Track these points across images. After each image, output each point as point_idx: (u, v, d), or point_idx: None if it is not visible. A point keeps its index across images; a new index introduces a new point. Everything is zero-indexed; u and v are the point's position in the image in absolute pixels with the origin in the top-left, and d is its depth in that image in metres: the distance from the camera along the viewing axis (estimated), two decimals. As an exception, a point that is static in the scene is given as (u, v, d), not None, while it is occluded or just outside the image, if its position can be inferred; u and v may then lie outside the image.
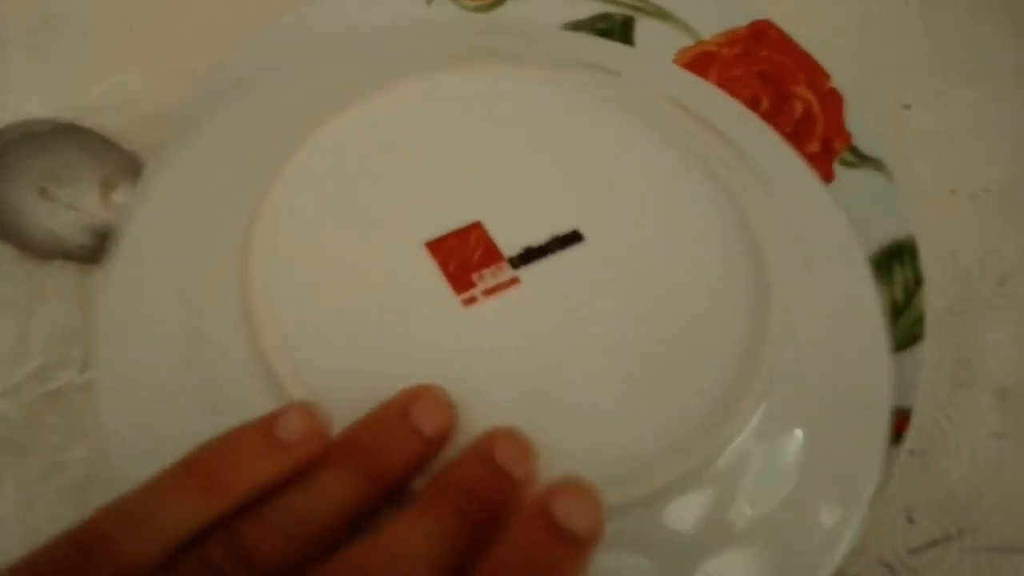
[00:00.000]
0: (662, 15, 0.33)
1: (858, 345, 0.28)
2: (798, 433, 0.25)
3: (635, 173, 0.27)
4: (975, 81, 0.38)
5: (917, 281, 0.31)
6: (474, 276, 0.25)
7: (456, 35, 0.31)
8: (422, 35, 0.30)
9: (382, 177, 0.26)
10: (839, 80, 0.33)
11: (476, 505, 0.20)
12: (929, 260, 0.32)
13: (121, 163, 0.32)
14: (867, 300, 0.28)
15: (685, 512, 0.23)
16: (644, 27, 0.32)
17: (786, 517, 0.24)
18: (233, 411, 0.22)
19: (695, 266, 0.26)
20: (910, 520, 0.31)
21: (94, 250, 0.32)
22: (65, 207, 0.32)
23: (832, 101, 0.33)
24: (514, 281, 0.25)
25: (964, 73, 0.38)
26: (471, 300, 0.25)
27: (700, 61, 0.33)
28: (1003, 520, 0.31)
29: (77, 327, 0.32)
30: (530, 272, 0.25)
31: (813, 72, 0.33)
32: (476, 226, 0.26)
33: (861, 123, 0.33)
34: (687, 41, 0.33)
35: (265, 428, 0.21)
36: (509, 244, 0.26)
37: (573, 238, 0.26)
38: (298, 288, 0.25)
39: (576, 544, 0.19)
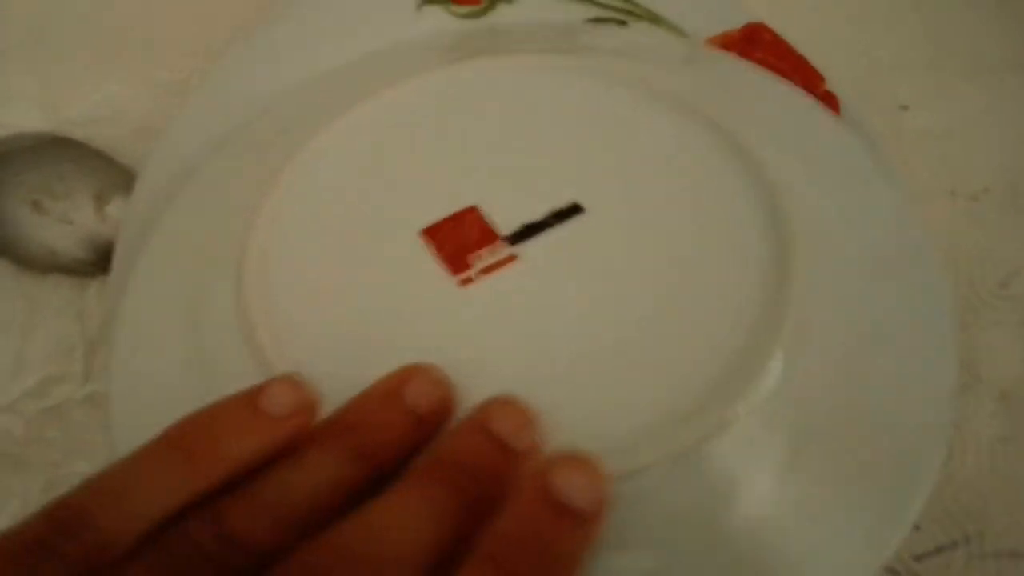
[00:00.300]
0: (653, 18, 0.32)
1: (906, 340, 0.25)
2: (812, 418, 0.23)
3: (634, 141, 0.27)
4: (974, 80, 0.38)
5: (918, 285, 0.30)
6: (470, 257, 0.25)
7: (444, 37, 0.31)
8: (412, 42, 0.30)
9: (379, 174, 0.26)
10: (834, 82, 0.33)
11: (472, 480, 0.19)
12: (930, 262, 0.31)
13: (114, 175, 0.33)
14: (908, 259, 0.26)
15: (694, 484, 0.22)
16: (636, 31, 0.32)
17: (799, 515, 0.23)
18: (224, 390, 0.21)
19: (701, 235, 0.25)
20: (915, 526, 0.30)
21: (89, 263, 0.32)
22: (59, 220, 0.32)
23: (828, 104, 0.32)
24: (511, 258, 0.25)
25: (962, 73, 0.38)
26: (467, 280, 0.24)
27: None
28: (1009, 525, 0.30)
29: (75, 341, 0.32)
30: (529, 248, 0.25)
31: (808, 75, 0.33)
32: (471, 210, 0.25)
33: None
34: (680, 45, 0.32)
35: (250, 401, 0.20)
36: (508, 223, 0.25)
37: (572, 211, 0.25)
38: (295, 280, 0.24)
39: (579, 520, 0.18)
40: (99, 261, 0.32)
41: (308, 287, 0.24)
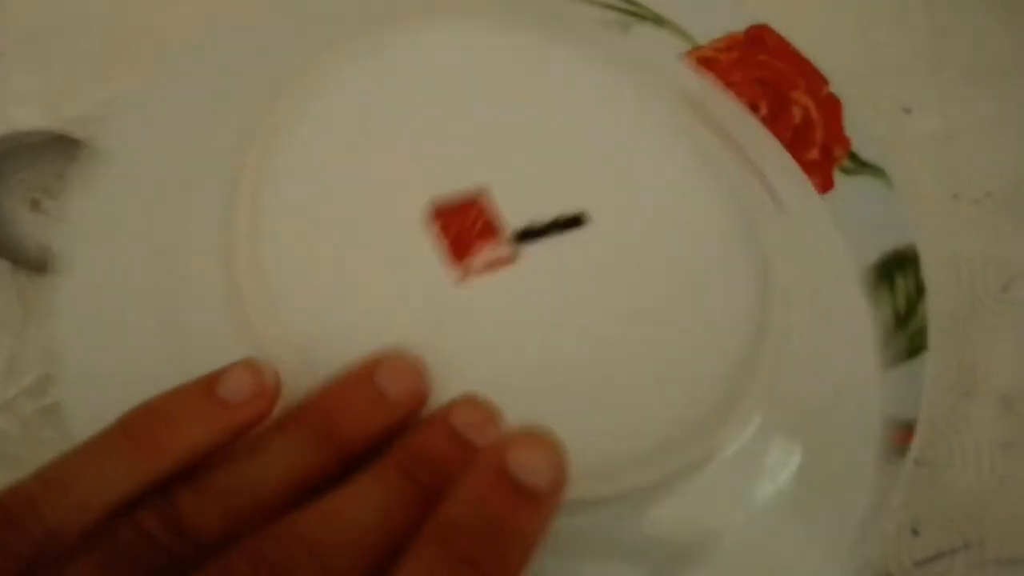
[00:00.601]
0: (658, 20, 0.32)
1: (852, 359, 0.27)
2: (794, 442, 0.24)
3: (646, 164, 0.27)
4: (977, 84, 0.38)
5: (919, 291, 0.30)
6: (472, 248, 0.24)
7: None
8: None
9: (387, 125, 0.25)
10: (838, 85, 0.33)
11: (430, 472, 0.19)
12: (932, 266, 0.31)
13: (113, 175, 0.32)
14: (861, 315, 0.28)
15: (671, 513, 0.23)
16: (640, 32, 0.32)
17: (775, 532, 0.24)
18: (203, 370, 0.20)
19: (698, 264, 0.25)
20: (915, 532, 0.30)
21: (87, 263, 0.32)
22: (57, 220, 0.32)
23: (831, 107, 0.32)
24: (512, 258, 0.24)
25: (966, 76, 0.38)
26: (466, 273, 0.24)
27: (698, 67, 0.32)
28: (1010, 532, 0.30)
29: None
30: (530, 251, 0.24)
31: (811, 77, 0.33)
32: (480, 195, 0.25)
33: (861, 129, 0.32)
34: (684, 47, 0.32)
35: (206, 386, 0.19)
36: (511, 219, 0.25)
37: (577, 221, 0.25)
38: (286, 242, 0.23)
39: (533, 500, 0.18)
40: (97, 260, 0.32)
41: (302, 253, 0.23)
